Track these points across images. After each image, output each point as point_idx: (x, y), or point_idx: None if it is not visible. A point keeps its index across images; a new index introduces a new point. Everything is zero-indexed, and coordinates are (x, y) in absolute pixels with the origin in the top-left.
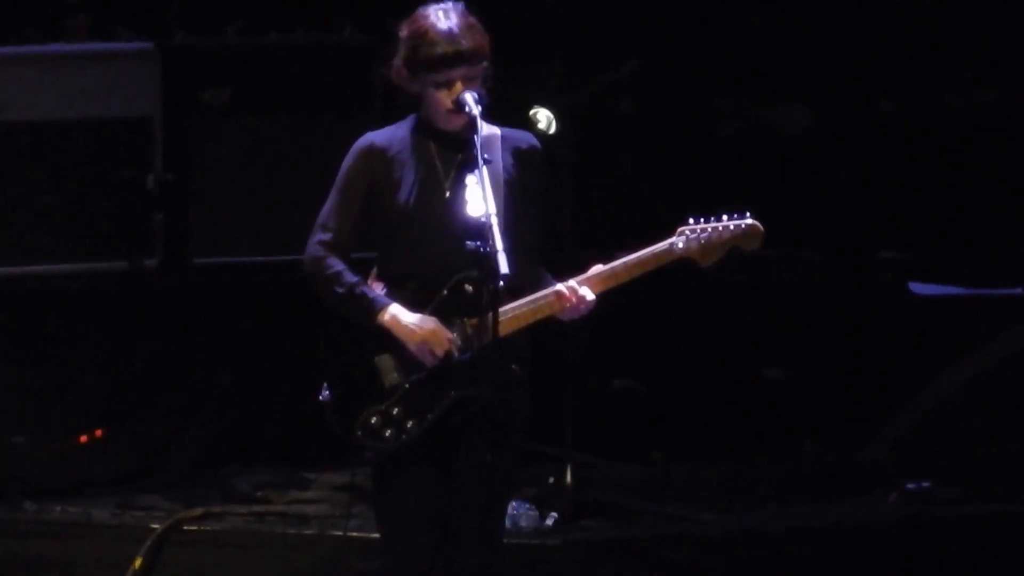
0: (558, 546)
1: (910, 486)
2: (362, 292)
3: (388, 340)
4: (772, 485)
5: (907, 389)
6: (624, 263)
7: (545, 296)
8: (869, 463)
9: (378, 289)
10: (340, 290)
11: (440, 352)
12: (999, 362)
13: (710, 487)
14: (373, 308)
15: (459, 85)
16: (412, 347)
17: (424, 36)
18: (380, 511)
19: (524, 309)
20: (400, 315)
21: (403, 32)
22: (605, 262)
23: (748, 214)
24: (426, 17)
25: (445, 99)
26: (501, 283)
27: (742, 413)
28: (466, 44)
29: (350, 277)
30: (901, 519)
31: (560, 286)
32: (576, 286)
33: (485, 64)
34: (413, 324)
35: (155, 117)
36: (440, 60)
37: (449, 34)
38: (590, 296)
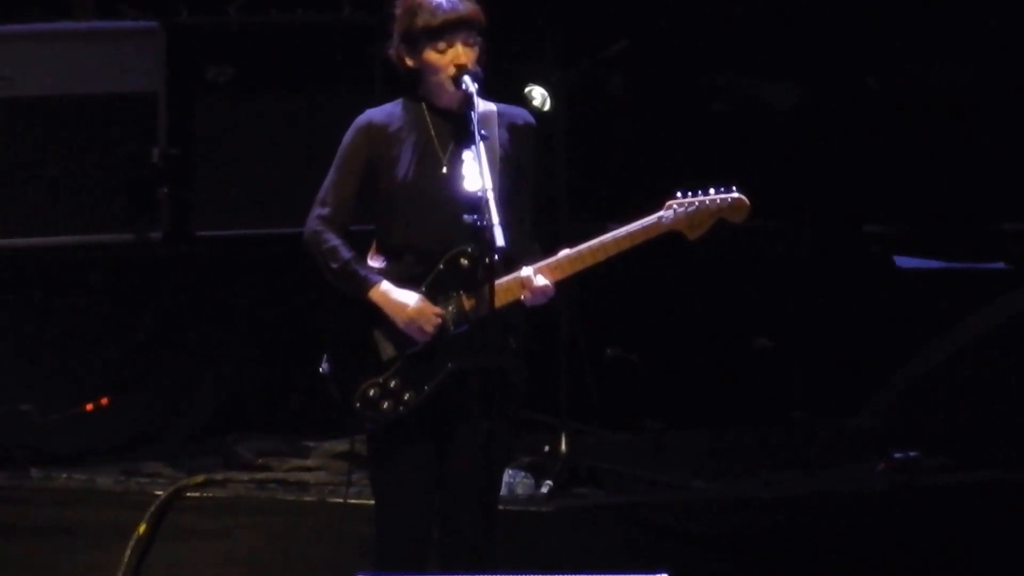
0: (553, 513)
1: (897, 455)
2: (354, 269)
3: (385, 313)
4: (761, 453)
5: (893, 359)
6: (614, 236)
7: (509, 280)
8: (857, 432)
9: (378, 263)
10: (334, 265)
11: (428, 329)
12: (985, 333)
13: (701, 455)
14: (364, 285)
15: (460, 48)
16: (400, 324)
17: (420, 6)
18: (376, 481)
19: (502, 287)
20: (390, 292)
21: (398, 9)
22: (598, 235)
23: (734, 188)
24: None
25: (446, 66)
26: (497, 256)
27: (732, 382)
28: (464, 8)
29: (344, 253)
30: (889, 488)
31: (523, 272)
32: (531, 275)
33: (481, 37)
34: (401, 302)
35: (160, 93)
36: (441, 25)
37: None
38: (542, 282)
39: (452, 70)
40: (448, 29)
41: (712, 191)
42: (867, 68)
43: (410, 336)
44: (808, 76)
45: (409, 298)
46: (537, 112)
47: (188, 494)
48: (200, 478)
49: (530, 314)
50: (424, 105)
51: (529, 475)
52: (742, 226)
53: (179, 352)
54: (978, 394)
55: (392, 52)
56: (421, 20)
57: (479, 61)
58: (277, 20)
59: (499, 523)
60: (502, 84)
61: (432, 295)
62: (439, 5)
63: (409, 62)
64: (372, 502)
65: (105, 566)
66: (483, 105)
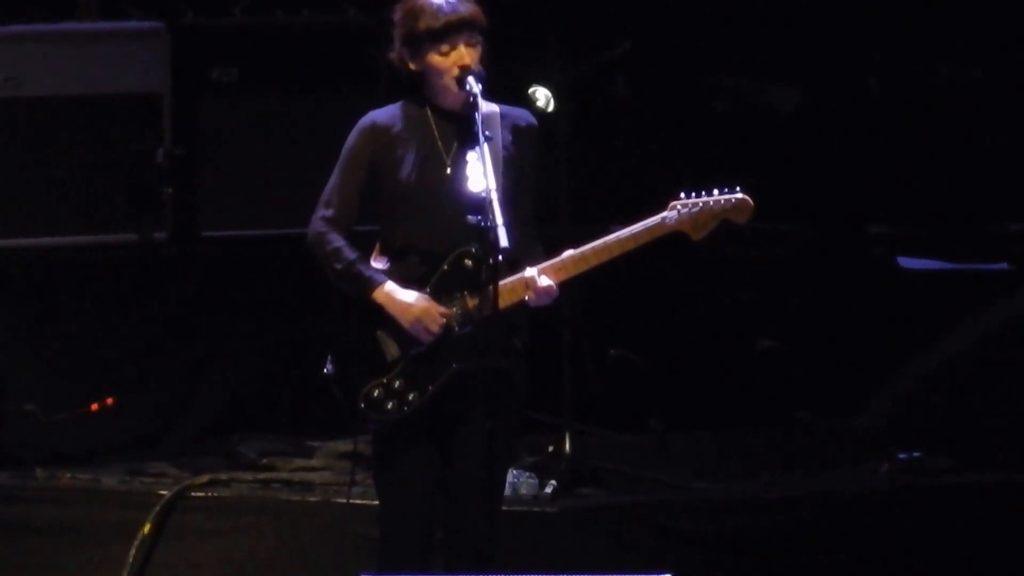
0: (556, 513)
1: (901, 456)
2: (359, 270)
3: (389, 314)
4: (765, 454)
5: (896, 360)
6: (617, 237)
7: (514, 281)
8: (861, 433)
9: (381, 263)
10: (339, 266)
11: (434, 329)
12: (988, 334)
13: (704, 455)
14: (368, 285)
15: (463, 49)
16: (405, 324)
17: (422, 10)
18: (380, 481)
19: (507, 287)
20: (394, 293)
21: (397, 14)
22: (602, 236)
23: (738, 188)
24: None
25: (450, 67)
26: (501, 257)
27: (736, 383)
28: (465, 9)
29: (349, 254)
30: (891, 488)
31: (527, 272)
32: (536, 276)
33: (482, 37)
34: (407, 302)
35: (165, 94)
36: (443, 27)
37: (446, 2)
38: (546, 282)
39: (456, 71)
40: (450, 31)
41: (716, 192)
42: (868, 69)
43: (414, 337)
44: (810, 77)
45: (414, 299)
46: (541, 113)
47: (193, 494)
48: (204, 478)
49: (534, 314)
50: (427, 107)
51: (533, 475)
52: (746, 227)
53: (184, 352)
54: (981, 395)
55: (394, 56)
56: (423, 23)
57: (481, 61)
58: (281, 21)
59: (503, 523)
60: (506, 85)
61: (436, 296)
62: (440, 7)
63: (412, 66)
64: (375, 502)
65: (110, 565)
66: (485, 106)
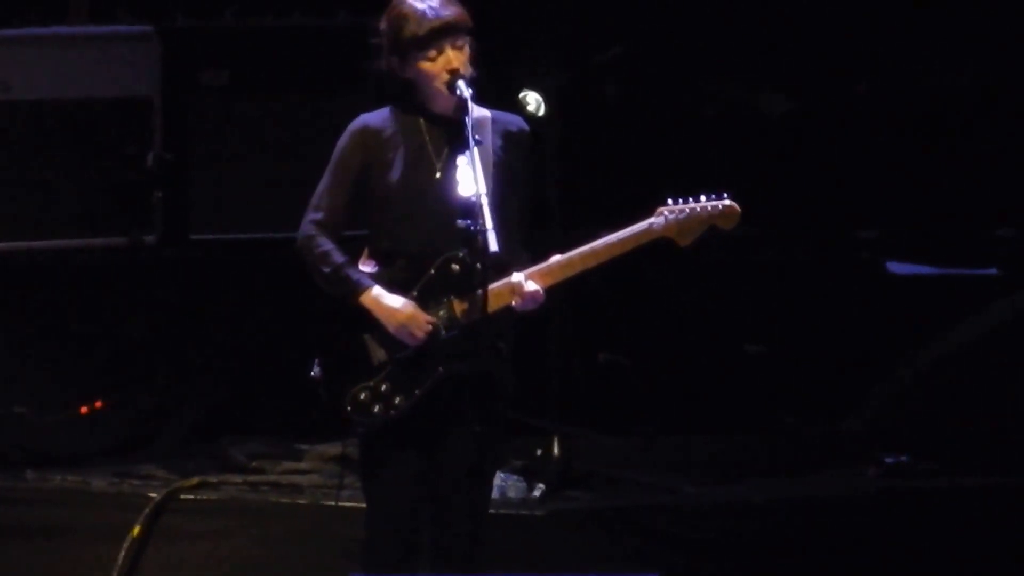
0: (545, 516)
1: (888, 460)
2: (346, 274)
3: (376, 318)
4: (753, 458)
5: (884, 364)
6: (604, 242)
7: (500, 286)
8: (848, 436)
9: (369, 268)
10: (326, 270)
11: (419, 334)
12: (975, 339)
13: (692, 459)
14: (356, 289)
15: (450, 53)
16: (391, 329)
17: (406, 18)
18: (367, 484)
19: (493, 292)
20: (381, 297)
21: (383, 24)
22: (590, 241)
23: (725, 195)
24: (402, 2)
25: (440, 72)
26: (489, 262)
27: (724, 387)
28: (448, 13)
29: (337, 257)
30: (878, 492)
31: (514, 277)
32: (522, 281)
33: (470, 37)
34: (393, 307)
35: (155, 97)
36: (428, 34)
37: (429, 8)
38: (532, 287)
39: (445, 76)
40: (435, 37)
41: (703, 198)
42: (858, 74)
43: (401, 341)
44: (800, 82)
45: (400, 304)
46: (531, 117)
47: (182, 496)
48: (194, 480)
49: (522, 318)
50: (419, 110)
51: (521, 479)
52: (735, 231)
53: (173, 355)
54: (967, 399)
55: (384, 65)
56: (408, 31)
57: (471, 62)
58: (272, 24)
59: (490, 527)
60: (497, 89)
61: (423, 300)
62: (424, 13)
63: (402, 73)
64: (364, 505)
65: (99, 567)
66: (477, 111)
